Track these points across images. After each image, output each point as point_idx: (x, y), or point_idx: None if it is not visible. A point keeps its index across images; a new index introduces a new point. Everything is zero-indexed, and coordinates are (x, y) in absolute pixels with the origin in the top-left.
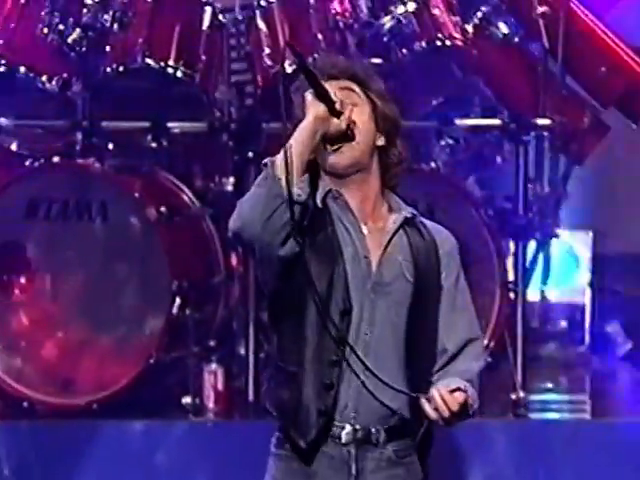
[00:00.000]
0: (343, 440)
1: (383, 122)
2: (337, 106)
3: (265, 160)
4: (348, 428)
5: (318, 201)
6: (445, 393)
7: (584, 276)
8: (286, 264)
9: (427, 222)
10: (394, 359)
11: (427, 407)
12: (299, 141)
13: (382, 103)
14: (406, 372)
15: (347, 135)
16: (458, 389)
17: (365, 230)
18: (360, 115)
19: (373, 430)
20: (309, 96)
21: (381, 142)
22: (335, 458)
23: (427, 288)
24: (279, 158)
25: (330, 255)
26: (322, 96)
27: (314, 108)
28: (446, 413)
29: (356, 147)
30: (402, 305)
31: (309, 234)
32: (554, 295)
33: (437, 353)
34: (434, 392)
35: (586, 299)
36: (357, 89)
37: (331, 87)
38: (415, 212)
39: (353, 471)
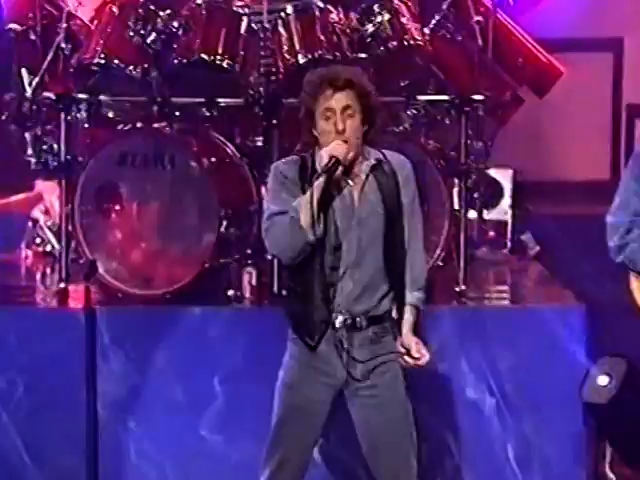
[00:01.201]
0: (337, 326)
1: (369, 116)
2: (340, 132)
3: (292, 214)
4: (340, 318)
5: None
6: (415, 353)
7: (506, 200)
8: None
9: (387, 153)
10: (376, 266)
11: (405, 362)
12: (307, 197)
13: (370, 103)
14: (386, 271)
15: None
16: (425, 343)
17: (351, 182)
18: (353, 123)
19: (357, 319)
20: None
21: (366, 128)
22: (331, 339)
23: (393, 212)
24: (303, 215)
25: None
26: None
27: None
28: (417, 366)
29: (349, 144)
30: (378, 230)
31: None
32: (486, 214)
33: (405, 250)
34: (408, 360)
35: (508, 217)
36: (353, 99)
37: (335, 102)
38: (380, 157)
39: (345, 346)
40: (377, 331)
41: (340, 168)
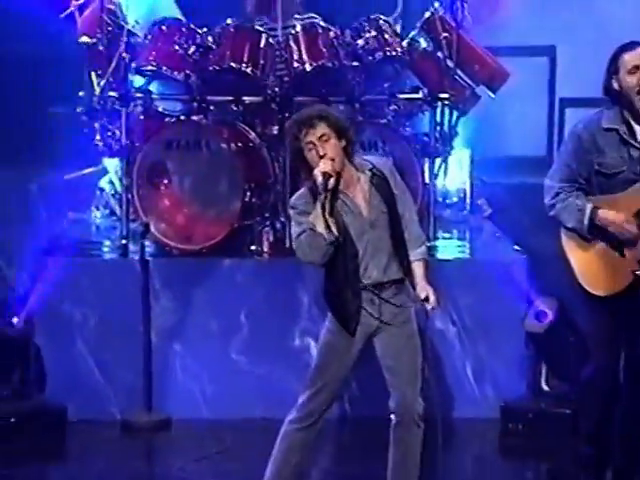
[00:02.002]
0: (370, 287)
1: (344, 137)
2: (323, 159)
3: (309, 227)
4: (370, 282)
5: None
6: (433, 299)
7: (466, 173)
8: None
9: (372, 159)
10: (387, 253)
11: (427, 307)
12: (319, 207)
13: (339, 126)
14: (394, 255)
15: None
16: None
17: (351, 195)
18: (330, 145)
19: (384, 279)
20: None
21: (343, 144)
22: (366, 298)
23: (392, 206)
24: (319, 225)
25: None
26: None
27: (314, 175)
28: (432, 310)
29: (333, 161)
30: (386, 225)
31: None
32: (450, 184)
33: (404, 229)
34: (428, 306)
35: (467, 186)
36: (327, 130)
37: (312, 136)
38: (370, 166)
39: (377, 302)
40: (396, 291)
41: (332, 179)
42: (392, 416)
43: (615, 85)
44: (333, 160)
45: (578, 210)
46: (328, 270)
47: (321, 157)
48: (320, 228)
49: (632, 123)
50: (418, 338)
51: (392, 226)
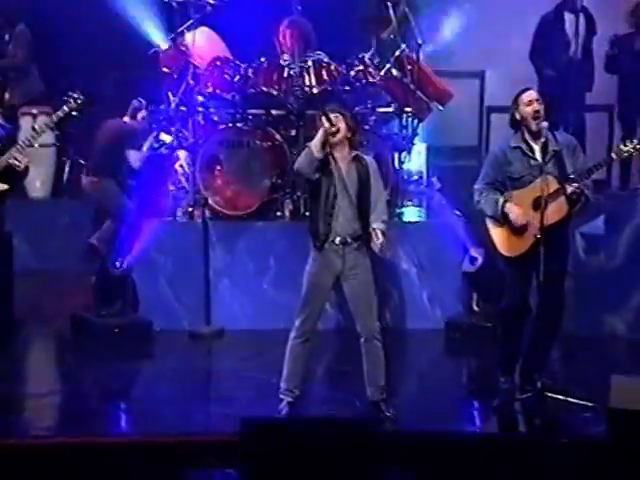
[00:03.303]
0: (337, 242)
1: (350, 127)
2: (332, 123)
3: (308, 144)
4: (338, 239)
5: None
6: (382, 240)
7: (423, 159)
8: (315, 178)
9: (361, 155)
10: (352, 215)
11: (375, 245)
12: (318, 137)
13: (349, 120)
14: (357, 219)
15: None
16: (383, 233)
17: (341, 165)
18: (342, 125)
19: (348, 238)
20: (322, 119)
21: (349, 135)
22: (333, 250)
23: (362, 185)
24: (313, 144)
25: (329, 177)
26: (328, 121)
27: (323, 126)
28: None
29: (340, 136)
30: (356, 190)
31: (323, 170)
32: (412, 167)
33: (369, 203)
34: (377, 242)
35: (424, 168)
36: (340, 116)
37: (332, 115)
38: (357, 153)
39: (341, 253)
40: (356, 244)
41: (334, 128)
42: (360, 336)
43: (517, 116)
44: (339, 130)
45: (495, 203)
46: (312, 206)
47: (332, 126)
48: (313, 146)
49: (530, 142)
50: (372, 277)
51: (359, 197)
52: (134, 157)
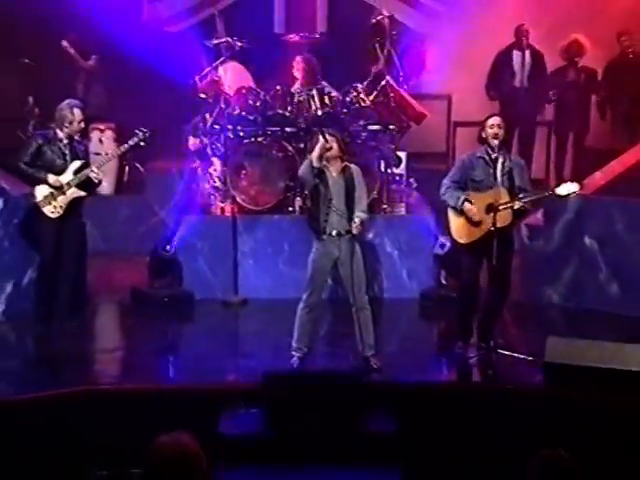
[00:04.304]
0: (333, 234)
1: (341, 148)
2: (327, 141)
3: (309, 156)
4: (334, 232)
5: (317, 164)
6: (357, 224)
7: (403, 165)
8: (313, 184)
9: (351, 165)
10: (344, 209)
11: (353, 228)
12: (316, 150)
13: (341, 143)
14: (348, 212)
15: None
16: (362, 222)
17: (335, 175)
18: (334, 145)
19: (342, 231)
20: (320, 137)
21: (340, 154)
22: (331, 240)
23: (349, 189)
24: (312, 155)
25: (326, 183)
26: (324, 139)
27: (320, 142)
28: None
29: (333, 152)
30: (346, 193)
31: (319, 177)
32: (395, 170)
33: (357, 198)
34: (354, 226)
35: (404, 171)
36: (335, 139)
37: (328, 137)
38: (346, 164)
39: (337, 243)
40: (348, 236)
41: (328, 144)
42: (353, 306)
43: (483, 134)
44: (332, 147)
45: (457, 198)
46: (312, 206)
47: (327, 142)
48: (313, 157)
49: (491, 154)
50: (362, 260)
51: (348, 198)
52: (192, 142)
